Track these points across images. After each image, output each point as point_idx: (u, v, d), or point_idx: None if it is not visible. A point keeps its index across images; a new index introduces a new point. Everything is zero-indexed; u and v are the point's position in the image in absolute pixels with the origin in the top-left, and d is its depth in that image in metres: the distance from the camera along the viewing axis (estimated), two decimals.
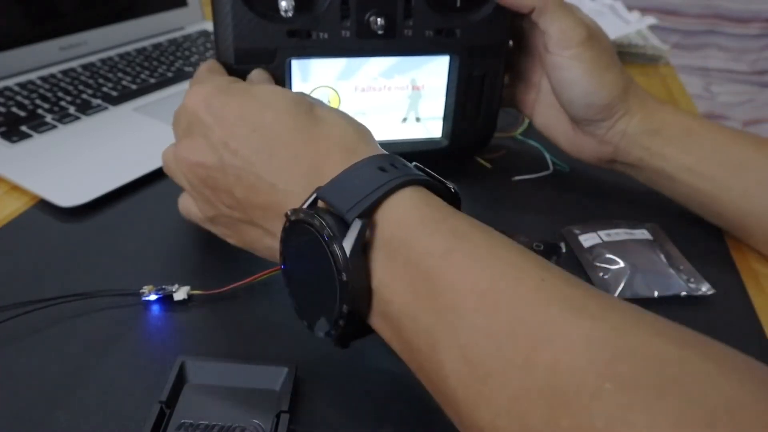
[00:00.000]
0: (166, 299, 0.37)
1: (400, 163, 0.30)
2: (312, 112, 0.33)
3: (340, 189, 0.28)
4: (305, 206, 0.29)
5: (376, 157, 0.30)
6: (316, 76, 0.45)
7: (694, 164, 0.43)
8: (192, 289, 0.38)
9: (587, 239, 0.44)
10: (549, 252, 0.37)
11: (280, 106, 0.33)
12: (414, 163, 0.30)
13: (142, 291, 0.37)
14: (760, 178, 0.42)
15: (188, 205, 0.38)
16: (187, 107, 0.35)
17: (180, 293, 0.37)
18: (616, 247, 0.43)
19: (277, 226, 0.31)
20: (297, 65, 0.44)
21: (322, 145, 0.31)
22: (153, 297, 0.37)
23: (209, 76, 0.38)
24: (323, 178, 0.29)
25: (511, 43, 0.50)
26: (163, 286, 0.37)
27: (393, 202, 0.28)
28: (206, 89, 0.34)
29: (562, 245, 0.40)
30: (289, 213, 0.29)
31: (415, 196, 0.28)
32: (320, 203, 0.29)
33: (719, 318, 0.39)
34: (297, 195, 0.30)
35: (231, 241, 0.37)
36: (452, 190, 0.30)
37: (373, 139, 0.33)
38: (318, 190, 0.29)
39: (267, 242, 0.33)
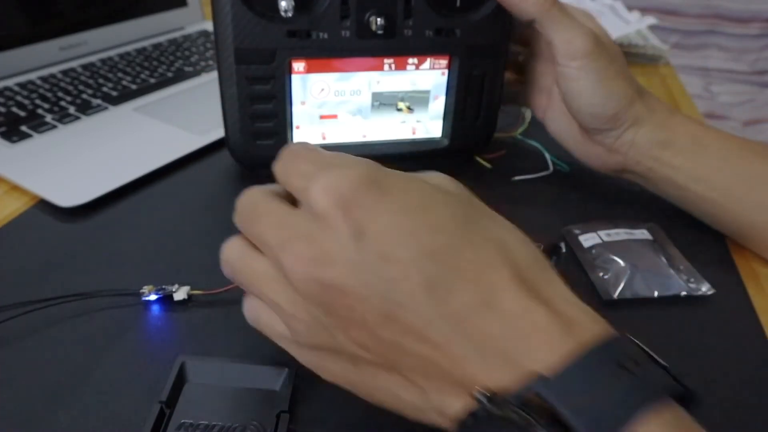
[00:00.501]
0: (166, 299, 0.37)
1: (634, 351, 0.23)
2: (486, 228, 0.25)
3: (570, 393, 0.21)
4: (514, 399, 0.21)
5: (611, 344, 0.22)
6: (316, 76, 0.45)
7: (704, 175, 0.43)
8: (192, 289, 0.38)
9: (587, 239, 0.44)
10: (549, 252, 0.38)
11: (454, 223, 0.24)
12: (630, 336, 0.24)
13: (142, 291, 0.37)
14: None
15: (263, 315, 0.28)
16: (317, 204, 0.24)
17: (180, 293, 0.37)
18: (616, 247, 0.43)
19: (435, 387, 0.24)
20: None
21: (513, 287, 0.23)
22: (153, 297, 0.37)
23: (333, 158, 0.27)
24: (525, 349, 0.22)
25: (518, 50, 0.50)
26: (163, 286, 0.37)
27: (645, 428, 0.20)
28: (346, 179, 0.24)
29: (562, 245, 0.40)
30: (485, 401, 0.22)
31: (671, 421, 0.21)
32: (529, 391, 0.22)
33: (719, 318, 0.39)
34: (482, 360, 0.23)
35: (328, 375, 0.27)
36: (692, 392, 0.23)
37: (551, 270, 0.26)
38: (534, 381, 0.21)
39: (408, 397, 0.25)
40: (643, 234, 0.44)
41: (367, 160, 0.26)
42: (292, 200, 0.27)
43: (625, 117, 0.44)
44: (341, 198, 0.24)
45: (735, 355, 0.36)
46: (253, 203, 0.27)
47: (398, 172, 0.26)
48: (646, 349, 0.23)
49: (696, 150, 0.43)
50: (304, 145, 0.28)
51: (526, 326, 0.23)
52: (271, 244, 0.25)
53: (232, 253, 0.28)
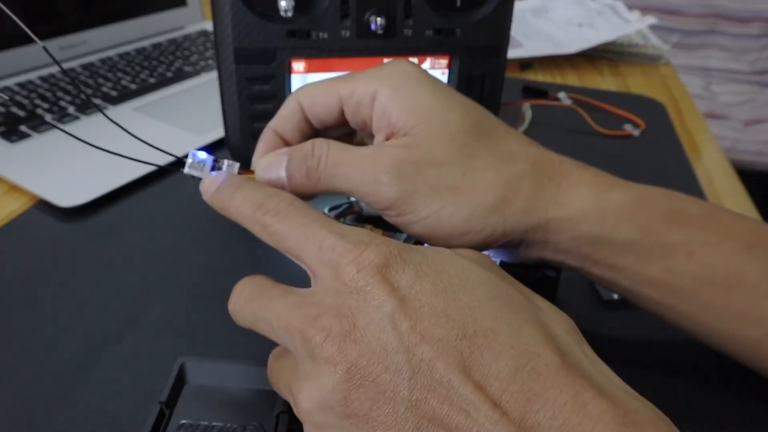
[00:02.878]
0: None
1: None
2: (523, 308, 0.23)
3: None
4: None
5: None
6: (316, 76, 0.45)
7: (660, 277, 0.30)
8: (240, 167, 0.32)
9: None
10: None
11: (491, 303, 0.23)
12: None
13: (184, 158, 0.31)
14: (757, 294, 0.29)
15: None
16: (349, 275, 0.23)
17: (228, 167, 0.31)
18: None
19: None
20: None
21: (562, 375, 0.21)
22: (203, 155, 0.31)
23: (354, 232, 0.25)
24: None
25: None
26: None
27: None
28: (380, 254, 0.23)
29: None
30: None
31: None
32: None
33: None
34: None
35: None
36: None
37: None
38: None
39: None
40: None
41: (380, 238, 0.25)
42: None
43: (506, 230, 0.30)
44: (380, 269, 0.23)
45: None
46: (257, 284, 0.26)
47: (428, 248, 0.25)
48: None
49: (645, 242, 0.30)
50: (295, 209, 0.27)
51: (582, 420, 0.20)
52: (294, 323, 0.23)
53: (271, 359, 0.27)
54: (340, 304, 0.23)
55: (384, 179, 0.29)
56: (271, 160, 0.31)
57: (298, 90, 0.33)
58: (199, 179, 0.30)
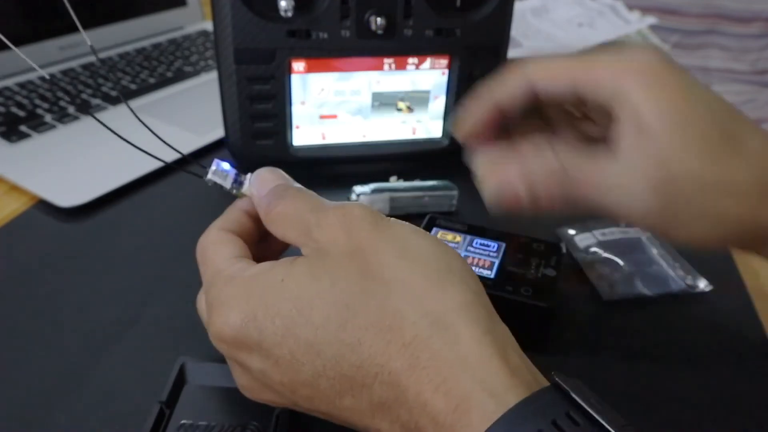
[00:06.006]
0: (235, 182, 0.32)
1: (571, 407, 0.20)
2: (376, 308, 0.24)
3: None
4: None
5: (532, 400, 0.21)
6: (315, 76, 0.45)
7: None
8: None
9: (583, 239, 0.44)
10: (550, 252, 0.37)
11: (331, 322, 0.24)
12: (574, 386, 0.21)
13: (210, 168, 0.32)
14: None
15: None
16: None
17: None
18: (612, 246, 0.43)
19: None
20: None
21: (404, 357, 0.22)
22: (227, 165, 0.32)
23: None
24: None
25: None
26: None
27: None
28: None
29: (563, 245, 0.40)
30: None
31: None
32: None
33: (718, 315, 0.39)
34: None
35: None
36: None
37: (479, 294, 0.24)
38: None
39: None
40: (637, 232, 0.44)
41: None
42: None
43: (759, 235, 0.29)
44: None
45: (734, 353, 0.36)
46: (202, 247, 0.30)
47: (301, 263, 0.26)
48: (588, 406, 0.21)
49: None
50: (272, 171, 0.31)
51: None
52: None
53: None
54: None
55: (645, 197, 0.28)
56: (501, 183, 0.33)
57: (523, 66, 0.31)
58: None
